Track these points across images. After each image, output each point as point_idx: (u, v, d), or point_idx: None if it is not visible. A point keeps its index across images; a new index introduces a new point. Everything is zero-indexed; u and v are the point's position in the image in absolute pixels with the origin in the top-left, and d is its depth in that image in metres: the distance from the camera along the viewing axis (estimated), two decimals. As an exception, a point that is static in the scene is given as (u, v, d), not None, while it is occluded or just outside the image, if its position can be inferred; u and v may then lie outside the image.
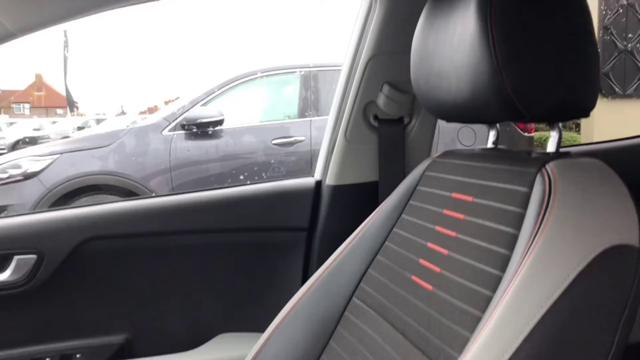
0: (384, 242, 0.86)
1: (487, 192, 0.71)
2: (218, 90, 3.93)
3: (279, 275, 1.14)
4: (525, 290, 0.55)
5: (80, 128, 10.54)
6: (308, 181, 1.20)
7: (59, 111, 22.65)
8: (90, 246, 1.04)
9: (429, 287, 0.72)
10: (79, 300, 1.06)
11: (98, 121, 11.12)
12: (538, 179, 0.64)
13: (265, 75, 4.09)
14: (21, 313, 0.82)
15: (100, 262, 1.06)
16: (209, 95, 3.91)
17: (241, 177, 3.71)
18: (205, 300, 1.15)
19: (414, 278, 0.76)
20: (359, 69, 1.12)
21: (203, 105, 3.85)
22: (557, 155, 0.69)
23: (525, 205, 0.64)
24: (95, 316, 1.08)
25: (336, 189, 1.15)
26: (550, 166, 0.65)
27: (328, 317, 0.87)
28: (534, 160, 0.68)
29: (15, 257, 0.99)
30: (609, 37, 5.97)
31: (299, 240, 1.17)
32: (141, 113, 13.88)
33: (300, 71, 4.04)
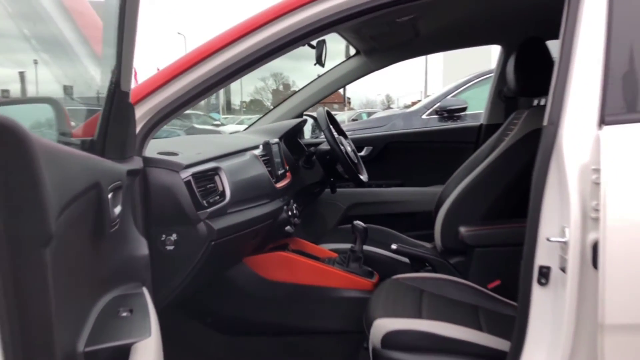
0: None
1: None
2: (464, 85, 5.07)
3: None
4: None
5: (354, 120, 12.42)
6: (475, 124, 2.46)
7: (335, 106, 26.03)
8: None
9: None
10: None
11: (369, 114, 13.01)
12: None
13: (505, 72, 5.01)
14: None
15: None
16: (457, 89, 5.08)
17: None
18: None
19: None
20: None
21: (453, 96, 5.02)
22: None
23: None
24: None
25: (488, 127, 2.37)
26: None
27: None
28: None
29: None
30: None
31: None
32: (405, 107, 15.46)
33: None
